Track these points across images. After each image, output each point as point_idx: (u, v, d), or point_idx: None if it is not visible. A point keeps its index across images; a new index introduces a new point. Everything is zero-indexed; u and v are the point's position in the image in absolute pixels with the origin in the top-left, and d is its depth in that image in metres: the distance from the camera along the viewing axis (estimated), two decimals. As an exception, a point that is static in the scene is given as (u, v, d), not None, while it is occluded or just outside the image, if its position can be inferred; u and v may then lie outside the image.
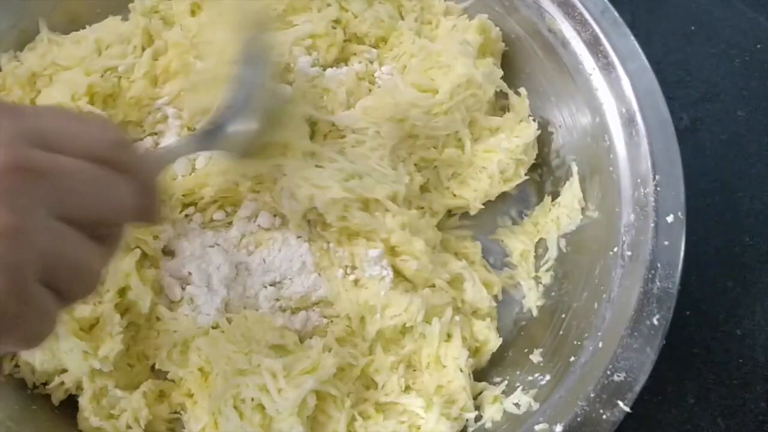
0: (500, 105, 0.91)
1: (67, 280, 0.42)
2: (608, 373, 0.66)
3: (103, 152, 0.45)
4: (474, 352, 0.79)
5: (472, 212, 0.86)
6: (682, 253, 0.70)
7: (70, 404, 0.72)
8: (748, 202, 0.98)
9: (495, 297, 0.83)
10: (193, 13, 0.86)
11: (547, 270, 0.84)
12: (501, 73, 0.88)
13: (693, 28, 1.10)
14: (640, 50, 0.78)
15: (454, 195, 0.86)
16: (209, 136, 0.64)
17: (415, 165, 0.84)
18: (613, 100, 0.77)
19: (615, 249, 0.73)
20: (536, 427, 0.67)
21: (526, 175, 0.87)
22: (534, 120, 0.88)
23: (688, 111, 1.03)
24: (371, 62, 0.88)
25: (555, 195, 0.87)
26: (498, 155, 0.84)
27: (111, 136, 0.46)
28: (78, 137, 0.44)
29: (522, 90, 0.88)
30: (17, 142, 0.39)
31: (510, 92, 0.89)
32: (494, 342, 0.79)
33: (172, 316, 0.72)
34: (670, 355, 0.67)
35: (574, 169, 0.84)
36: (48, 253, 0.39)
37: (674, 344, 0.67)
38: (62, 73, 0.80)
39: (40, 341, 0.42)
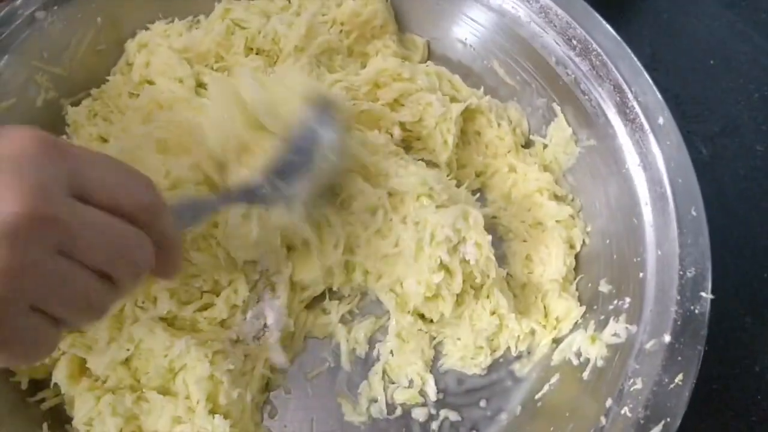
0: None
1: (64, 310, 0.47)
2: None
3: (137, 212, 0.48)
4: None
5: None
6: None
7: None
8: (766, 238, 0.98)
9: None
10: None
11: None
12: None
13: (712, 62, 1.10)
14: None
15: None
16: (250, 192, 0.69)
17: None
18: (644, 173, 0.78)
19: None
20: None
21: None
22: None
23: (706, 145, 1.03)
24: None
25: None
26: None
27: (147, 199, 0.50)
28: (116, 191, 0.47)
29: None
30: (50, 186, 0.43)
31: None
32: None
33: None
34: (689, 392, 0.66)
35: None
36: (43, 289, 0.45)
37: (693, 380, 0.66)
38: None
39: (36, 359, 0.49)
